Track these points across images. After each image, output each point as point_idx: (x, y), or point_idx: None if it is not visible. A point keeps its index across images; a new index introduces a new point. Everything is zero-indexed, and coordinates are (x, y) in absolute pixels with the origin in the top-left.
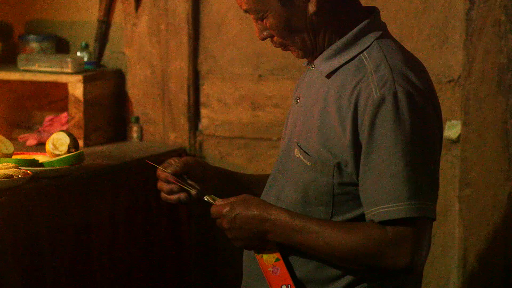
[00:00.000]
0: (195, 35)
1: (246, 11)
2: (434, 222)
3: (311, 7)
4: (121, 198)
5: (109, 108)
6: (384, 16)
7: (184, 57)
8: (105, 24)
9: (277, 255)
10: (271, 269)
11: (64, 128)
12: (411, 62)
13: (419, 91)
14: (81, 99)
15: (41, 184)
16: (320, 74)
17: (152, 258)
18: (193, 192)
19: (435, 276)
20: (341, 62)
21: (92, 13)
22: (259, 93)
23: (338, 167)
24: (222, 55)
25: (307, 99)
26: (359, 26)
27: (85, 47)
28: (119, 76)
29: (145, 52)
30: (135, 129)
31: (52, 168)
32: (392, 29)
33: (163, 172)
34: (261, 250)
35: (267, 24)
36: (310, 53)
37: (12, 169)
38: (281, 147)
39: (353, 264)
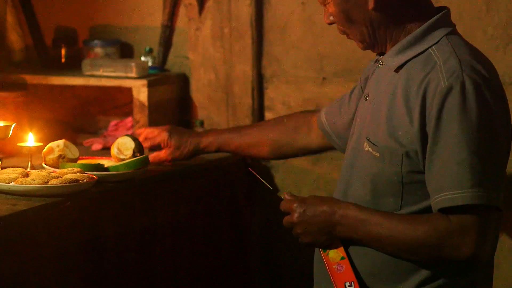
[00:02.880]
0: (259, 39)
1: None
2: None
3: (370, 3)
4: (184, 203)
5: (174, 112)
6: None
7: (248, 61)
8: (169, 28)
9: (342, 253)
10: (336, 267)
11: (129, 132)
12: (480, 57)
13: (487, 82)
14: (146, 103)
15: (106, 189)
16: (389, 69)
17: (214, 263)
18: (271, 188)
19: (501, 278)
20: (410, 56)
21: (156, 18)
22: (323, 96)
23: (407, 156)
24: (286, 59)
25: (376, 95)
26: (429, 22)
27: (149, 52)
28: (183, 80)
29: (209, 56)
30: None
31: (117, 172)
32: None
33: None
34: (327, 247)
35: (330, 11)
36: (371, 46)
37: (77, 173)
38: (349, 144)
39: (417, 255)
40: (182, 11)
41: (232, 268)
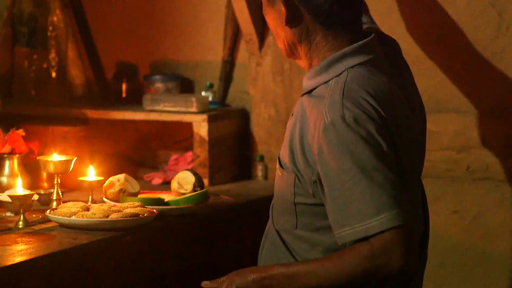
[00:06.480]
0: None
1: None
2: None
3: (282, 18)
4: (246, 237)
5: (234, 147)
6: None
7: None
8: (229, 63)
9: None
10: None
11: (189, 167)
12: (375, 88)
13: (368, 114)
14: (206, 138)
15: (166, 223)
16: (303, 91)
17: None
18: None
19: None
20: (314, 85)
21: (217, 53)
22: None
23: (298, 179)
24: None
25: (292, 115)
26: (336, 54)
27: (210, 87)
28: (244, 115)
29: (269, 91)
30: (260, 167)
31: (178, 206)
32: None
33: None
34: None
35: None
36: (288, 54)
37: (138, 208)
38: None
39: (355, 284)
40: (242, 46)
41: None
